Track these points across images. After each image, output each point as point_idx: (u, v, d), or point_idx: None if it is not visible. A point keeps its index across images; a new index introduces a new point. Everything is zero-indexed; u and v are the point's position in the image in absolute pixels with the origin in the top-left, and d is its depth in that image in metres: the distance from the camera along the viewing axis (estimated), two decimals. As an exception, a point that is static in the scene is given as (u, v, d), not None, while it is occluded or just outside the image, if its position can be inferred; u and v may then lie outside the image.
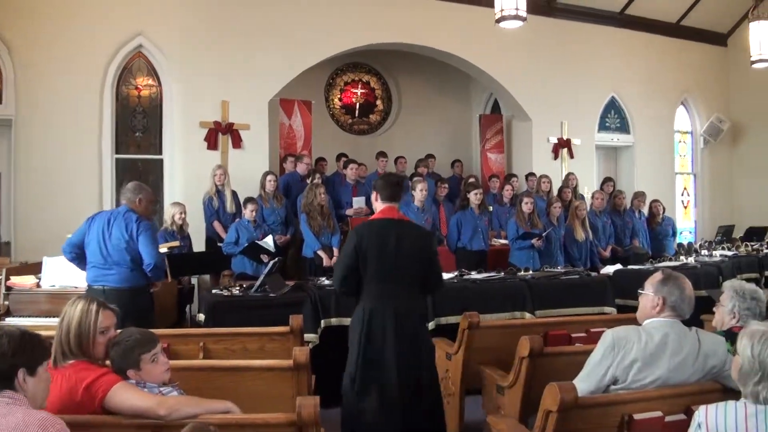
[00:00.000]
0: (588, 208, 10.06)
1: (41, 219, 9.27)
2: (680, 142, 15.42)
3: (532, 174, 12.14)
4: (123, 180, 9.53)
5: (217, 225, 9.36)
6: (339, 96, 14.33)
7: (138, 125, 10.40)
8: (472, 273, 7.59)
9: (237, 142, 10.54)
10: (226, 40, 10.49)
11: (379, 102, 14.67)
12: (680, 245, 10.38)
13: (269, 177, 9.62)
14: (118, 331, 3.57)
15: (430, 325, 6.55)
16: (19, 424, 2.53)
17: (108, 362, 3.47)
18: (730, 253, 9.75)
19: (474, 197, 9.28)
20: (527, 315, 6.95)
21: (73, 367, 3.27)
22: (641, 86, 14.27)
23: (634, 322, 3.68)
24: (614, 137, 14.29)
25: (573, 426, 3.21)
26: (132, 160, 10.36)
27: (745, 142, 15.41)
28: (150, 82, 10.42)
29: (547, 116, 13.26)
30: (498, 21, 8.48)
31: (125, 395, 3.13)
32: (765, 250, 10.20)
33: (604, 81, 13.90)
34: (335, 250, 8.60)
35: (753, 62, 12.22)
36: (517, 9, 8.29)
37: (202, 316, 6.40)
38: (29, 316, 6.50)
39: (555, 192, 11.37)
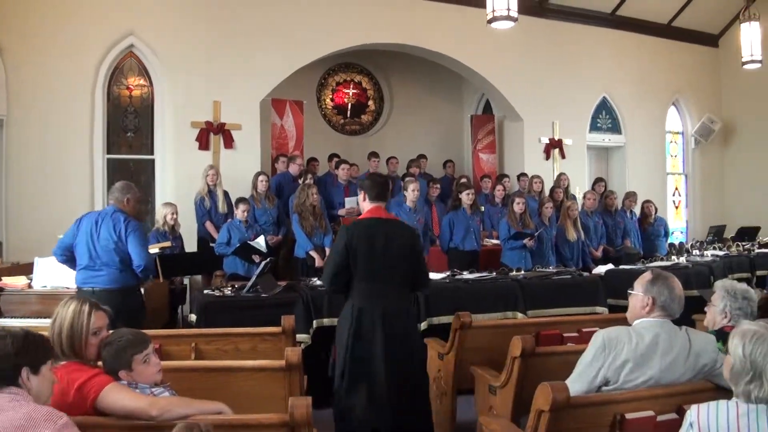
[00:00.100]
0: (579, 208, 10.08)
1: (33, 219, 9.25)
2: (671, 142, 15.46)
3: (523, 174, 12.15)
4: (114, 180, 9.49)
5: (209, 225, 9.35)
6: (331, 96, 14.33)
7: (129, 125, 10.38)
8: (464, 273, 7.60)
9: (229, 143, 10.52)
10: (217, 40, 10.47)
11: (371, 102, 14.67)
12: (672, 245, 10.40)
13: (261, 177, 9.61)
14: (110, 332, 3.56)
15: (423, 325, 6.58)
16: (26, 416, 2.60)
17: (100, 363, 3.46)
18: (721, 253, 9.78)
19: (466, 197, 9.29)
20: (519, 315, 6.97)
21: (65, 368, 3.26)
22: (633, 87, 14.31)
23: (626, 321, 3.69)
24: (606, 137, 14.32)
25: (565, 426, 3.21)
26: (123, 161, 10.34)
27: (736, 143, 15.46)
28: (141, 82, 10.40)
29: (538, 116, 13.27)
30: (490, 21, 8.49)
31: (117, 396, 3.13)
32: (756, 250, 10.23)
33: (596, 81, 13.92)
34: (327, 251, 8.59)
35: (744, 63, 12.30)
36: (508, 9, 8.29)
37: (193, 317, 6.39)
38: (21, 317, 6.47)
39: (547, 192, 11.39)
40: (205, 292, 6.70)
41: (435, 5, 12.15)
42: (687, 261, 8.99)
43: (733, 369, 2.76)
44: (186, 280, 8.85)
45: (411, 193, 8.91)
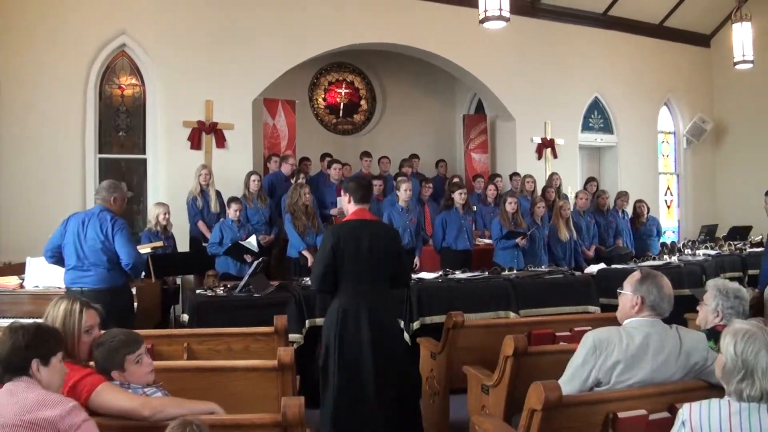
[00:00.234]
0: (572, 207, 10.10)
1: (25, 219, 9.21)
2: (663, 142, 15.49)
3: (516, 174, 12.15)
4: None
5: (201, 225, 9.33)
6: (323, 96, 14.30)
7: (121, 125, 10.34)
8: (457, 273, 7.61)
9: (221, 142, 10.50)
10: (209, 39, 10.45)
11: (363, 102, 14.65)
12: (664, 244, 10.43)
13: (253, 177, 9.60)
14: (102, 332, 3.55)
15: (415, 325, 6.61)
16: (38, 398, 2.76)
17: (92, 363, 3.46)
18: (713, 253, 9.81)
19: (458, 197, 9.30)
20: (511, 314, 6.98)
21: (57, 368, 3.26)
22: (625, 87, 14.33)
23: (618, 321, 3.70)
24: (598, 137, 14.34)
25: (557, 425, 3.22)
26: (115, 160, 10.30)
27: (728, 143, 15.49)
28: (133, 81, 10.37)
29: (530, 116, 13.28)
30: (482, 21, 8.48)
31: (109, 396, 3.13)
32: (748, 250, 10.26)
33: (588, 81, 13.95)
34: (319, 251, 8.59)
35: (736, 63, 12.31)
36: (500, 9, 8.28)
37: (186, 317, 6.40)
38: (12, 317, 6.42)
39: (539, 192, 11.41)
40: (198, 292, 6.70)
41: (427, 5, 12.15)
42: (679, 260, 9.01)
43: (725, 368, 2.77)
44: (179, 280, 8.85)
45: (403, 192, 8.92)
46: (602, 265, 8.46)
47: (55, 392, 2.89)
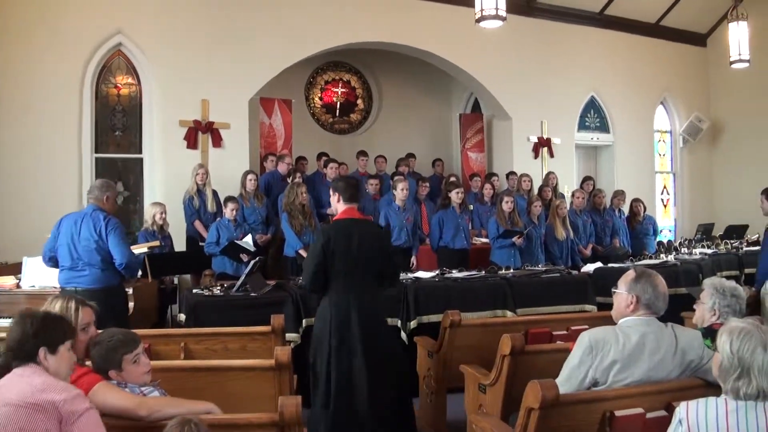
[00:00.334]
0: (568, 207, 10.10)
1: (21, 219, 9.19)
2: (660, 141, 15.51)
3: (512, 173, 12.17)
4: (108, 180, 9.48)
5: (198, 224, 9.32)
6: (320, 95, 14.30)
7: (118, 124, 10.33)
8: (454, 272, 7.60)
9: (217, 141, 10.49)
10: (206, 38, 10.44)
11: (359, 101, 14.65)
12: (660, 243, 10.43)
13: (250, 176, 9.60)
14: (99, 331, 3.55)
15: (412, 324, 6.61)
16: (44, 382, 2.79)
17: (88, 363, 3.45)
18: (709, 251, 9.80)
19: (455, 196, 9.30)
20: (508, 313, 6.98)
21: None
22: (621, 86, 14.34)
23: (613, 320, 3.70)
24: (594, 136, 14.35)
25: (555, 423, 3.22)
26: (112, 160, 10.29)
27: (725, 142, 15.51)
28: (129, 80, 10.36)
29: (527, 115, 13.29)
30: (478, 21, 8.47)
31: (106, 395, 3.13)
32: (744, 248, 10.25)
33: (584, 80, 13.95)
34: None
35: (732, 62, 12.33)
36: (497, 9, 8.28)
37: (183, 316, 6.38)
38: (9, 317, 6.41)
39: (535, 191, 11.41)
40: (194, 291, 6.69)
41: (424, 4, 12.15)
42: (676, 259, 9.01)
43: (721, 366, 2.77)
44: (176, 280, 8.84)
45: (400, 192, 8.92)
46: (599, 264, 8.46)
47: (62, 380, 2.91)
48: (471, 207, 10.63)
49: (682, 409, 2.80)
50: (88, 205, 6.10)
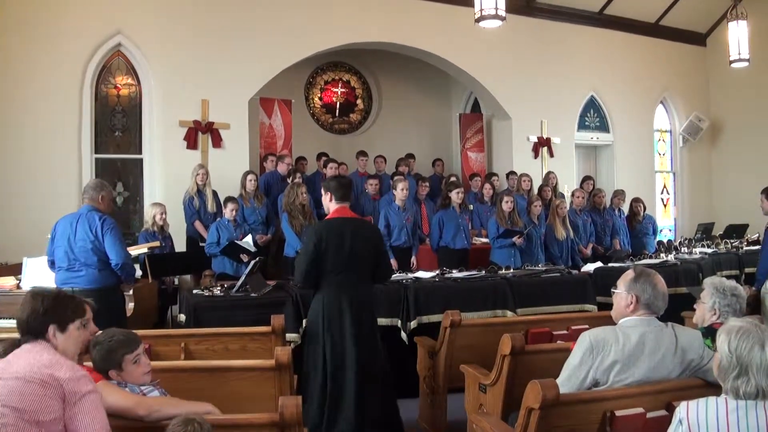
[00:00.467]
0: (568, 206, 10.09)
1: (21, 220, 9.18)
2: (660, 140, 15.52)
3: (512, 173, 12.17)
4: (103, 180, 9.46)
5: (198, 225, 9.32)
6: (319, 95, 14.30)
7: (117, 125, 10.32)
8: (454, 272, 7.60)
9: (217, 142, 10.49)
10: (205, 38, 10.44)
11: (359, 101, 14.65)
12: (660, 243, 10.43)
13: (250, 176, 9.60)
14: (99, 332, 3.54)
15: (413, 324, 6.60)
16: (52, 359, 2.83)
17: (88, 362, 3.44)
18: (709, 251, 9.79)
19: (455, 196, 9.29)
20: (509, 313, 6.97)
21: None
22: (621, 85, 14.35)
23: (613, 320, 3.70)
24: (594, 136, 14.35)
25: (555, 423, 3.22)
26: (111, 160, 10.29)
27: (724, 141, 15.52)
28: (129, 81, 10.35)
29: (526, 115, 13.30)
30: (478, 20, 8.47)
31: (106, 394, 3.12)
32: (744, 248, 10.25)
33: (584, 80, 13.96)
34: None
35: (732, 62, 12.34)
36: (496, 8, 8.27)
37: (183, 317, 6.38)
38: (9, 318, 6.39)
39: (535, 191, 11.40)
40: (195, 292, 6.68)
41: (423, 4, 12.15)
42: (676, 258, 9.01)
43: (720, 365, 2.77)
44: (176, 280, 8.83)
45: (400, 192, 8.93)
46: (599, 264, 8.46)
47: (70, 359, 2.95)
48: (471, 207, 10.63)
49: (682, 409, 2.80)
50: (84, 205, 6.10)
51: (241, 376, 4.06)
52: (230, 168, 10.23)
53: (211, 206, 9.44)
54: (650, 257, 9.21)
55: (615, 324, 3.61)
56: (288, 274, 8.34)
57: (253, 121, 11.18)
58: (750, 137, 14.67)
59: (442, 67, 12.99)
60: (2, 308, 6.57)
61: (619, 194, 11.09)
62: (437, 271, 7.64)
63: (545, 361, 4.32)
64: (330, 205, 5.37)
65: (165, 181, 10.13)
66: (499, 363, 4.48)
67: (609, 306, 3.90)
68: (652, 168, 15.23)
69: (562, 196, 11.37)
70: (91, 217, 5.92)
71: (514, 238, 8.95)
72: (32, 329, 2.96)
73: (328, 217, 5.42)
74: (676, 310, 5.48)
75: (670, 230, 15.43)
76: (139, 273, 7.57)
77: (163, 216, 8.53)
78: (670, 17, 14.59)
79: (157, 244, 8.09)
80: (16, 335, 3.03)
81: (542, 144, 13.45)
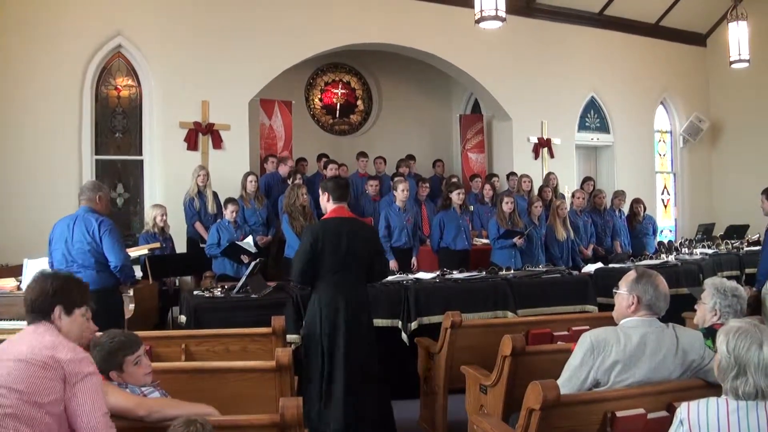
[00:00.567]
0: (568, 207, 10.08)
1: (21, 221, 9.18)
2: (660, 141, 15.52)
3: (512, 174, 12.16)
4: (103, 181, 9.47)
5: (198, 226, 9.31)
6: (320, 96, 14.31)
7: (118, 126, 10.32)
8: (454, 273, 7.59)
9: (217, 143, 10.49)
10: (206, 40, 10.44)
11: (359, 102, 14.66)
12: (661, 243, 10.43)
13: (250, 177, 9.60)
14: (99, 333, 3.54)
15: (413, 325, 6.60)
16: (54, 341, 2.88)
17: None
18: (710, 251, 9.79)
19: (456, 197, 9.28)
20: (509, 314, 6.97)
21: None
22: (621, 86, 14.35)
23: (614, 320, 3.70)
24: (594, 137, 14.36)
25: (556, 424, 3.22)
26: (112, 162, 10.29)
27: (725, 141, 15.52)
28: (129, 82, 10.35)
29: (527, 116, 13.30)
30: (478, 21, 8.47)
31: (106, 395, 3.12)
32: (745, 248, 10.25)
33: (584, 81, 13.96)
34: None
35: (732, 62, 12.33)
36: (496, 9, 8.27)
37: (183, 318, 6.38)
38: (9, 320, 6.40)
39: (536, 191, 11.40)
40: (195, 293, 6.69)
41: (423, 5, 12.16)
42: (676, 259, 9.00)
43: (719, 366, 2.78)
44: (177, 281, 8.83)
45: (400, 193, 8.93)
46: (599, 265, 8.46)
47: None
48: (471, 208, 10.63)
49: (683, 410, 2.80)
50: (81, 206, 6.08)
51: (242, 377, 4.07)
52: (231, 169, 10.23)
53: (211, 207, 9.43)
54: (651, 258, 9.21)
55: (616, 324, 3.61)
56: (288, 275, 8.34)
57: (253, 122, 11.19)
58: (750, 138, 14.67)
59: (442, 68, 12.99)
60: (3, 309, 6.57)
61: (619, 195, 11.08)
62: (438, 272, 7.63)
63: (546, 361, 4.31)
64: (327, 205, 5.44)
65: (165, 182, 10.13)
66: (500, 364, 4.48)
67: (610, 307, 3.90)
68: (653, 169, 15.23)
69: (563, 196, 11.36)
70: (88, 218, 5.91)
71: (515, 239, 8.95)
72: (39, 309, 2.99)
73: (324, 217, 5.48)
74: (677, 311, 5.48)
75: (670, 231, 15.43)
76: (139, 274, 7.58)
77: (164, 217, 8.53)
78: (670, 18, 14.60)
79: (157, 245, 8.09)
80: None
81: (542, 145, 13.45)
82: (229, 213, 8.66)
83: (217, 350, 4.95)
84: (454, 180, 10.71)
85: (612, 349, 3.40)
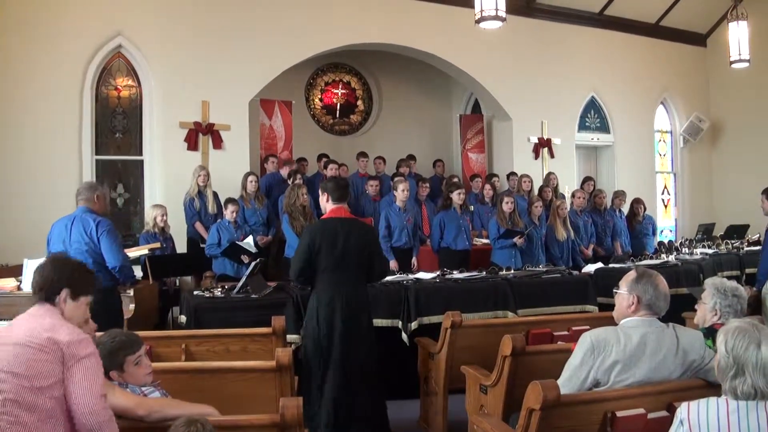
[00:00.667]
0: (569, 207, 10.08)
1: (21, 221, 9.17)
2: (660, 141, 15.52)
3: (513, 173, 12.16)
4: (103, 181, 9.48)
5: (199, 226, 9.31)
6: (320, 96, 14.30)
7: (118, 126, 10.32)
8: (455, 273, 7.59)
9: (217, 143, 10.49)
10: (206, 40, 10.44)
11: (359, 102, 14.65)
12: (661, 243, 10.42)
13: (250, 178, 9.60)
14: (99, 334, 3.55)
15: (413, 325, 6.60)
16: (54, 322, 2.91)
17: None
18: (710, 251, 9.79)
19: (457, 197, 9.27)
20: (509, 314, 6.96)
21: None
22: (621, 86, 14.35)
23: (614, 320, 3.69)
24: (594, 137, 14.36)
25: (556, 424, 3.22)
26: (112, 162, 10.28)
27: (725, 141, 15.52)
28: (130, 82, 10.35)
29: (527, 116, 13.30)
30: (478, 21, 8.47)
31: (107, 395, 3.12)
32: (745, 248, 10.25)
33: (584, 81, 13.96)
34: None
35: (732, 62, 12.33)
36: (496, 9, 8.27)
37: (183, 318, 6.38)
38: (9, 320, 6.37)
39: (536, 191, 11.40)
40: (195, 293, 6.68)
41: (423, 5, 12.16)
42: (676, 259, 9.00)
43: (719, 366, 2.78)
44: (177, 282, 8.83)
45: (401, 193, 8.93)
46: (600, 265, 8.45)
47: None
48: (472, 208, 10.62)
49: (683, 410, 2.80)
50: (78, 207, 6.07)
51: (242, 377, 4.07)
52: (231, 169, 10.23)
53: (211, 207, 9.43)
54: (651, 258, 9.21)
55: (616, 324, 3.61)
56: (288, 275, 8.35)
57: (253, 122, 11.19)
58: (750, 138, 14.67)
59: (442, 68, 13.00)
60: (2, 309, 6.55)
61: (619, 195, 11.07)
62: (438, 272, 7.63)
63: (546, 361, 4.31)
64: (327, 205, 5.48)
65: (165, 182, 10.13)
66: (500, 364, 4.48)
67: (610, 307, 3.90)
68: (653, 169, 15.24)
69: (563, 196, 11.36)
70: (86, 219, 5.91)
71: (515, 239, 8.94)
72: (45, 290, 3.02)
73: (323, 217, 5.53)
74: (677, 311, 5.48)
75: (670, 231, 15.43)
76: (139, 274, 7.58)
77: (164, 217, 8.53)
78: (671, 18, 14.60)
79: (157, 245, 8.09)
80: None
81: (543, 145, 13.45)
82: (229, 213, 8.65)
83: (217, 350, 4.95)
84: (455, 180, 10.70)
85: (612, 349, 3.40)
